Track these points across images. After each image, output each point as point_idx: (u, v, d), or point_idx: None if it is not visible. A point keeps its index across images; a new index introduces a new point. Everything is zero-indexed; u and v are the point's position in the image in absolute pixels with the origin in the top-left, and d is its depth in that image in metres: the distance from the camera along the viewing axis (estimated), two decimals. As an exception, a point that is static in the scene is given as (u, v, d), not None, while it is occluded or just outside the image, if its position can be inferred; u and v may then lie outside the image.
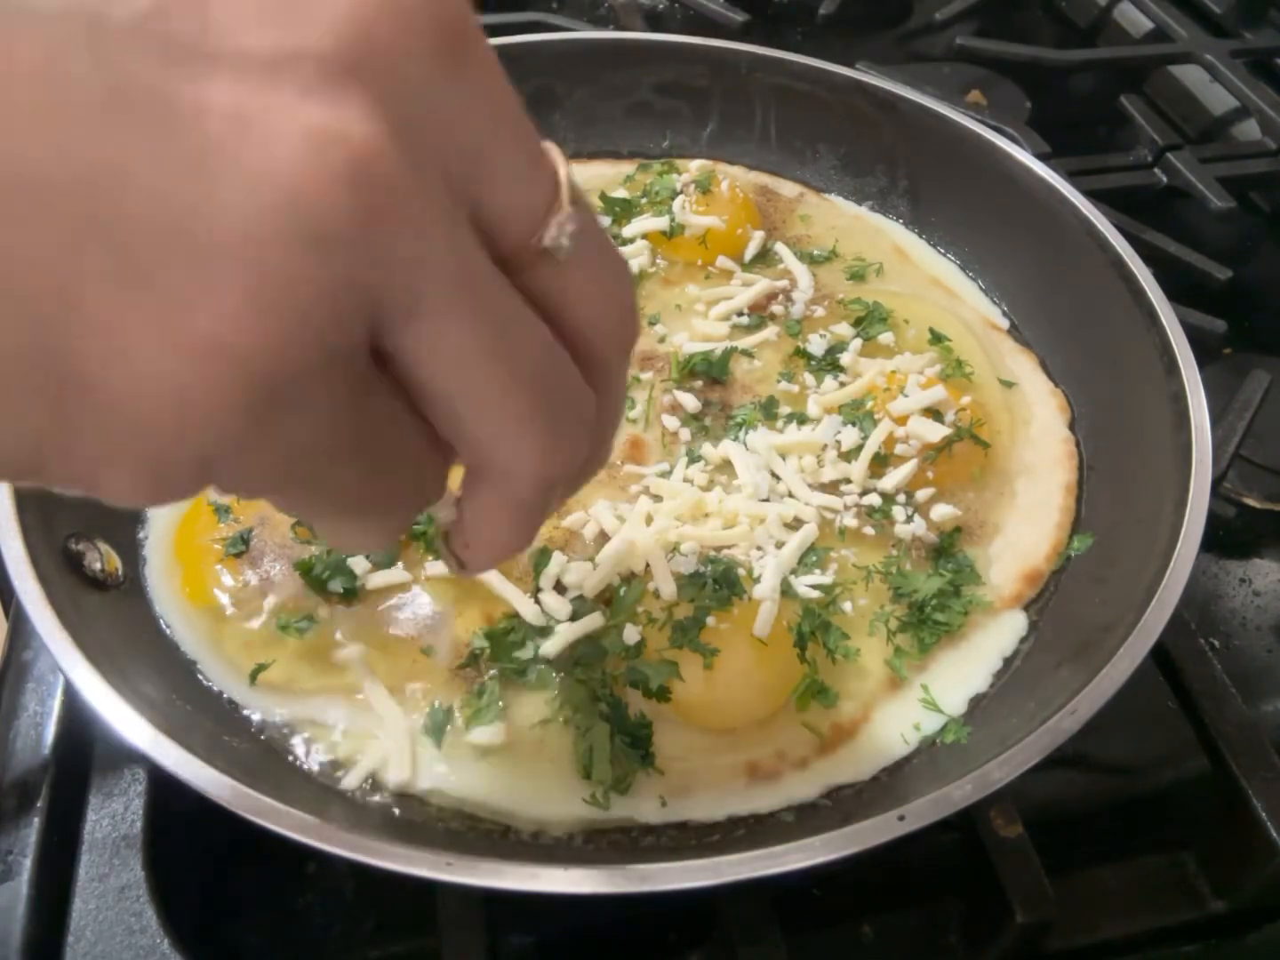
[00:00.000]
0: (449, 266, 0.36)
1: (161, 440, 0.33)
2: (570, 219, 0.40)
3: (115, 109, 0.30)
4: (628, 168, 1.23)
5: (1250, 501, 1.04)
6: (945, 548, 0.89)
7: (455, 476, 0.46)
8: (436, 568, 0.82)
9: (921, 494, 0.91)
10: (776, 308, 1.07)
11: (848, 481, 0.91)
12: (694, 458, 0.93)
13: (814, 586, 0.84)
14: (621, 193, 1.18)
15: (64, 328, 0.31)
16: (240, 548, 0.83)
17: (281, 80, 0.32)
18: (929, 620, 0.84)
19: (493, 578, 0.81)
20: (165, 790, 0.76)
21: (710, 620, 0.78)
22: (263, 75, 0.32)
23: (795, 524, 0.87)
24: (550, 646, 0.78)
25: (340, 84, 0.32)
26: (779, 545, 0.85)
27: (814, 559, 0.86)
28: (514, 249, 0.39)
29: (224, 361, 0.32)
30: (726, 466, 0.92)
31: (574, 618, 0.81)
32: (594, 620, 0.79)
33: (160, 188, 0.31)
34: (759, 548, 0.85)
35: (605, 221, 1.14)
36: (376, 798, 0.75)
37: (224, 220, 0.31)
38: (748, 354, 1.02)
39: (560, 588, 0.83)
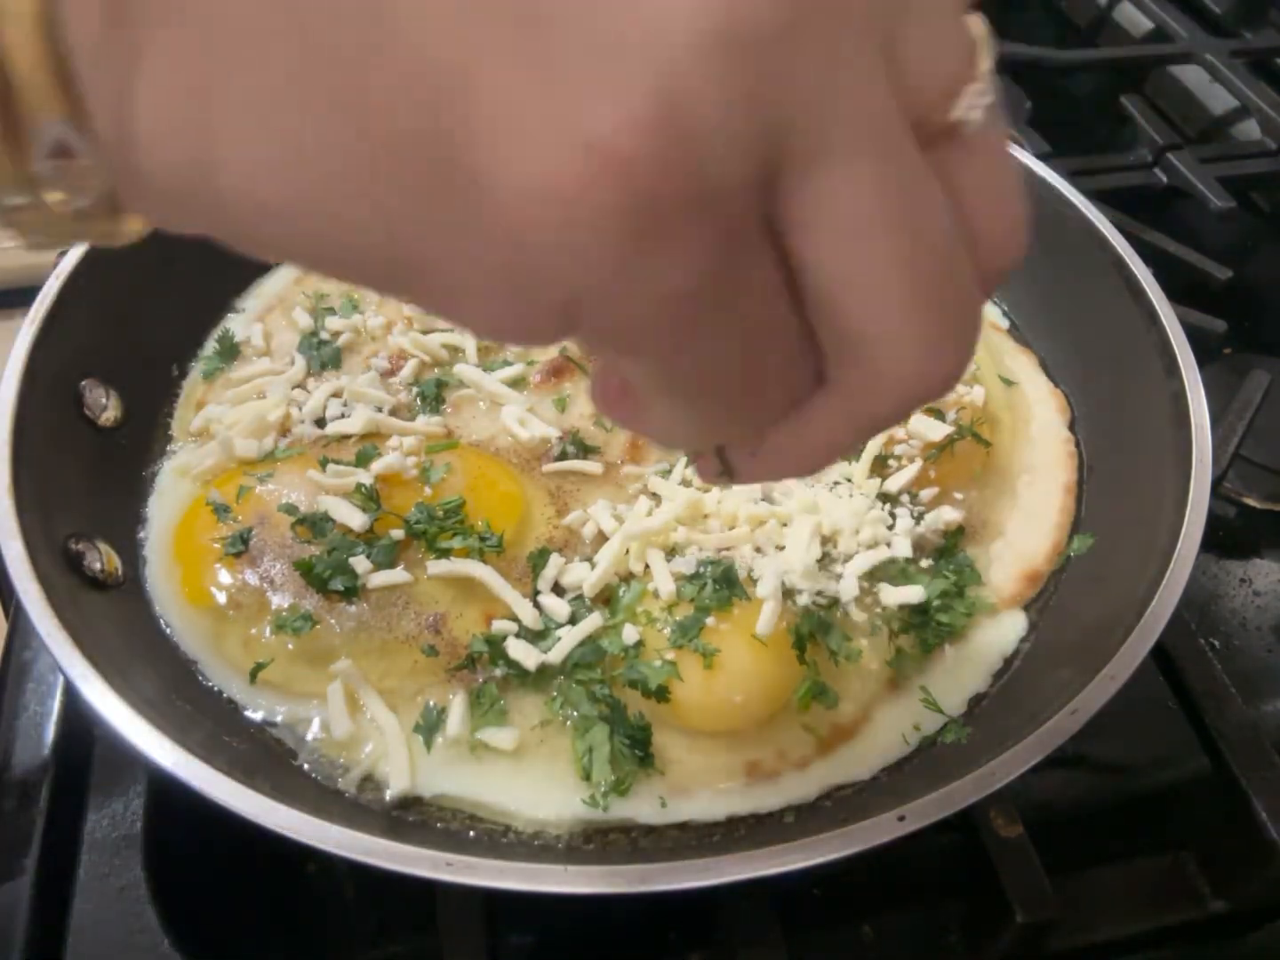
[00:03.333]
0: (866, 108, 0.31)
1: (536, 253, 0.29)
2: (985, 91, 0.34)
3: None
4: (628, 168, 1.23)
5: (1250, 501, 1.04)
6: (948, 548, 0.89)
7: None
8: (438, 567, 0.82)
9: (925, 494, 0.91)
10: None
11: (848, 481, 0.91)
12: (694, 458, 0.93)
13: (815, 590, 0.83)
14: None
15: (460, 108, 0.28)
16: (239, 547, 0.83)
17: None
18: (932, 621, 0.84)
19: (492, 578, 0.81)
20: (165, 790, 0.76)
21: (710, 620, 0.78)
22: None
23: (795, 524, 0.87)
24: (554, 655, 0.78)
25: None
26: (779, 546, 0.85)
27: (814, 559, 0.86)
28: (922, 114, 0.33)
29: (611, 164, 0.28)
30: (726, 466, 0.92)
31: (573, 619, 0.81)
32: (593, 623, 0.79)
33: None
34: (758, 549, 0.85)
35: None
36: (376, 797, 0.75)
37: (638, 11, 0.28)
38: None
39: (559, 589, 0.83)
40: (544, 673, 0.78)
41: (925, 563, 0.88)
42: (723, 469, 0.43)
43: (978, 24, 0.35)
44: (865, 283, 0.33)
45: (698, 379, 0.35)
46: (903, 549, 0.86)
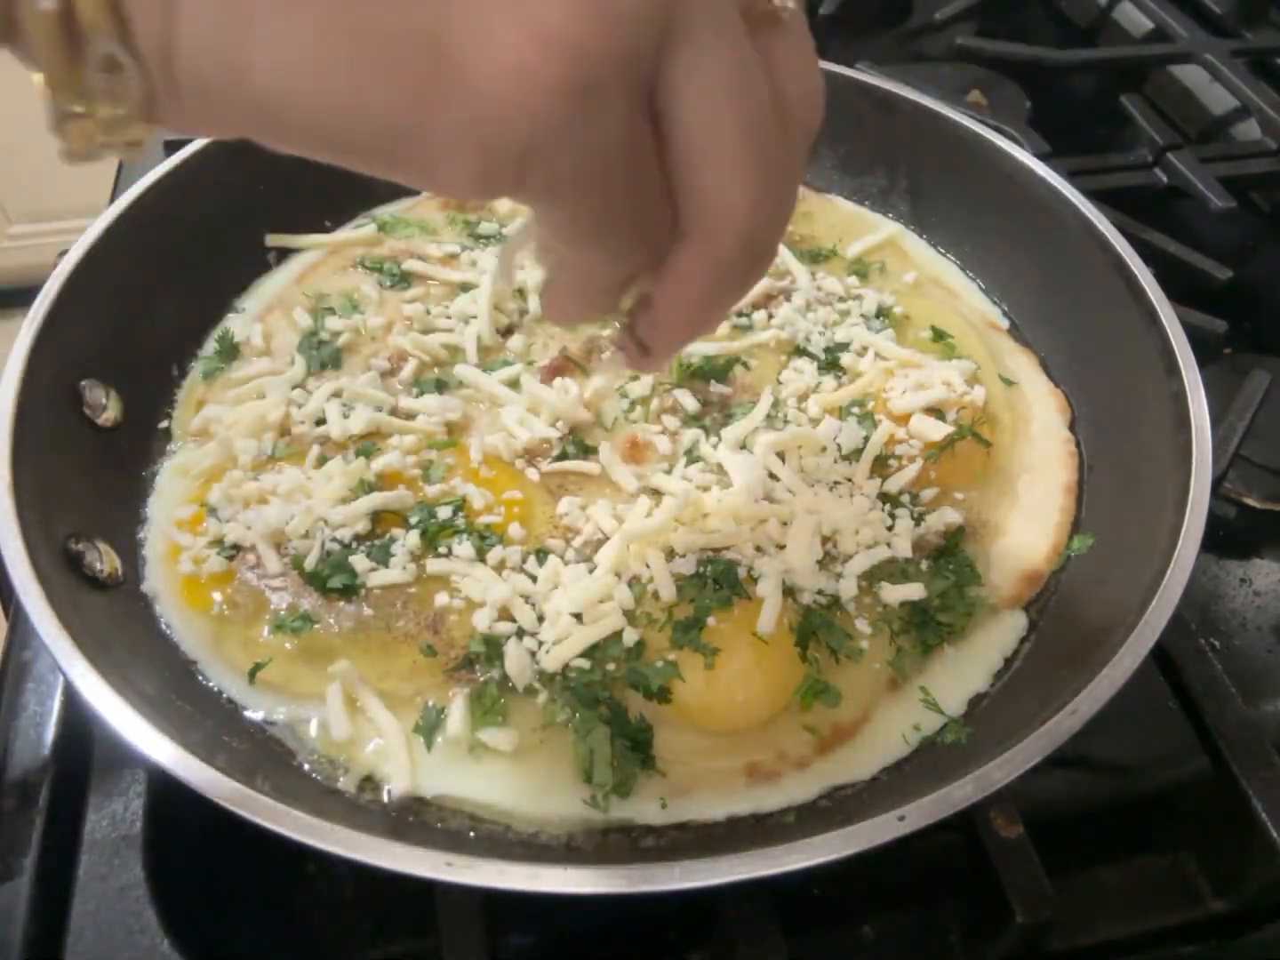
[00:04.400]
0: (719, 6, 0.43)
1: (504, 116, 0.39)
2: None
3: None
4: (628, 168, 1.23)
5: (1250, 501, 1.04)
6: (948, 548, 0.89)
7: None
8: (437, 565, 0.82)
9: (925, 494, 0.91)
10: (776, 307, 1.07)
11: (849, 481, 0.91)
12: (693, 458, 0.93)
13: (816, 589, 0.83)
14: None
15: (441, 13, 0.39)
16: (238, 548, 0.83)
17: None
18: (932, 621, 0.84)
19: (492, 579, 0.81)
20: (165, 790, 0.76)
21: (711, 620, 0.78)
22: None
23: (795, 524, 0.87)
24: (551, 663, 0.78)
25: None
26: (779, 545, 0.85)
27: (814, 559, 0.86)
28: (747, 5, 0.46)
29: (560, 47, 0.39)
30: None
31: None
32: (593, 631, 0.79)
33: None
34: (758, 548, 0.85)
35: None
36: (375, 798, 0.75)
37: None
38: (748, 355, 1.02)
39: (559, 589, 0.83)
40: (543, 676, 0.78)
41: (925, 564, 0.88)
42: (639, 349, 0.54)
43: None
44: (708, 135, 0.44)
45: (601, 216, 0.46)
46: (903, 549, 0.86)
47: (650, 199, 0.46)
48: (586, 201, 0.45)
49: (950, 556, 0.89)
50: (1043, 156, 1.14)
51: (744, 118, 0.44)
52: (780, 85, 0.47)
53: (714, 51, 0.43)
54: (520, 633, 0.80)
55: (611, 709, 0.76)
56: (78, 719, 0.80)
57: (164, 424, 0.96)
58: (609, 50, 0.39)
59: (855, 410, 0.95)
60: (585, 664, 0.78)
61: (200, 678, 0.80)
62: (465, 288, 1.07)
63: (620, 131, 0.42)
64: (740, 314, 1.06)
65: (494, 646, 0.79)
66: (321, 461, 0.89)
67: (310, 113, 0.41)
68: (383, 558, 0.83)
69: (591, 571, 0.83)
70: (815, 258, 1.14)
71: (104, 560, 0.81)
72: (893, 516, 0.89)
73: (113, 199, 1.06)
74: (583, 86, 0.39)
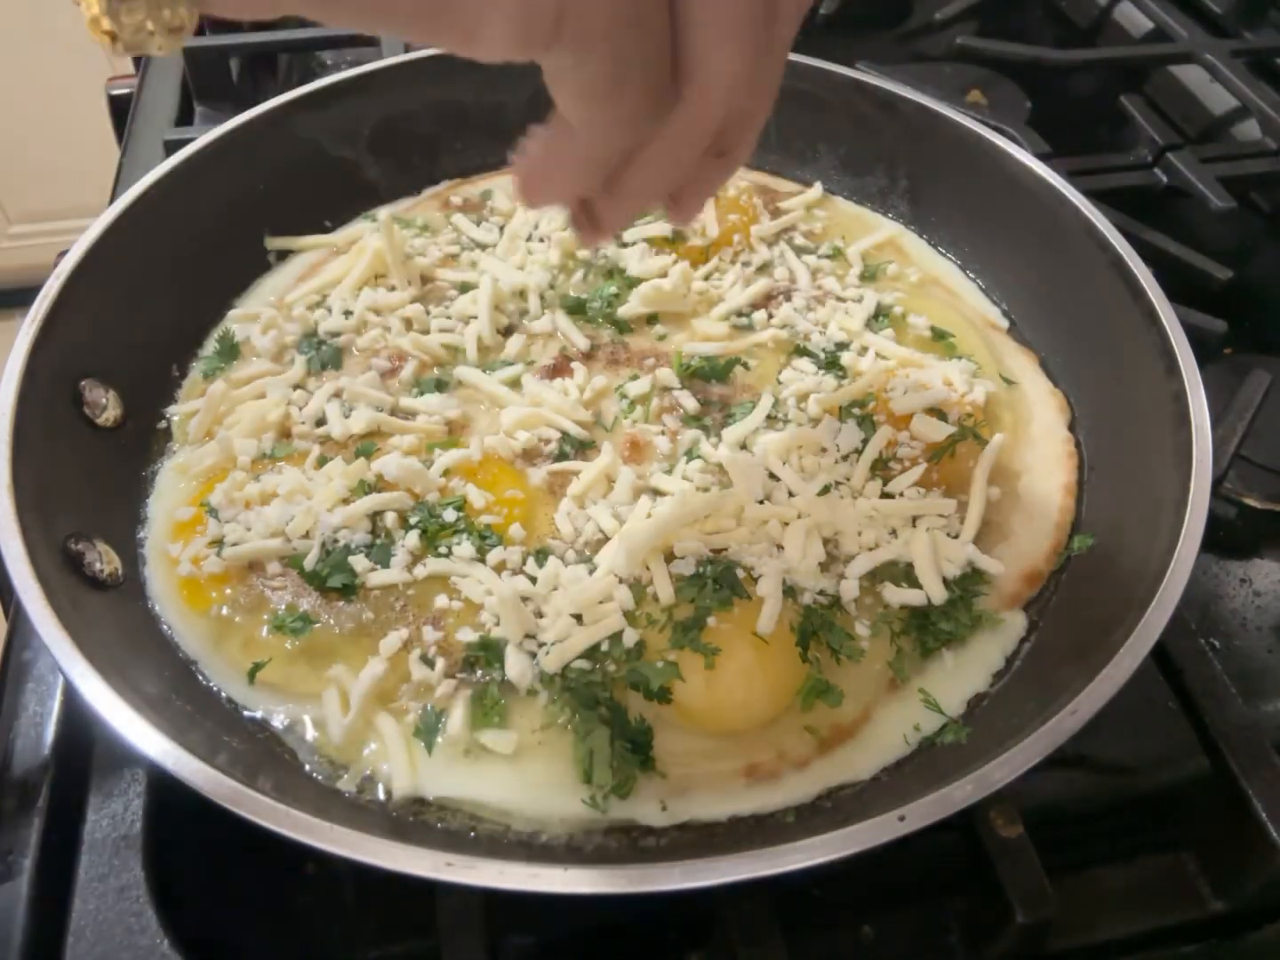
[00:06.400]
0: None
1: None
2: None
3: None
4: (628, 168, 1.22)
5: (1250, 501, 1.04)
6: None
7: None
8: (436, 565, 0.82)
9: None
10: (776, 307, 1.07)
11: (847, 481, 0.91)
12: (693, 457, 0.93)
13: (818, 589, 0.83)
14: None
15: None
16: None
17: None
18: (932, 626, 0.84)
19: (492, 579, 0.81)
20: (165, 790, 0.76)
21: (711, 620, 0.78)
22: None
23: (795, 525, 0.87)
24: (551, 664, 0.78)
25: None
26: (779, 545, 0.85)
27: (816, 560, 0.86)
28: None
29: None
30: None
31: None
32: (593, 631, 0.79)
33: None
34: (757, 545, 0.84)
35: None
36: (375, 798, 0.75)
37: None
38: (748, 355, 1.02)
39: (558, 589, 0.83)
40: (543, 677, 0.78)
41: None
42: (591, 224, 0.58)
43: None
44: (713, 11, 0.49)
45: (621, 71, 0.49)
46: (906, 553, 0.86)
47: (661, 60, 0.50)
48: (612, 52, 0.47)
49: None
50: (1043, 156, 1.14)
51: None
52: None
53: None
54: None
55: (611, 710, 0.76)
56: (78, 719, 0.80)
57: (164, 424, 0.96)
58: None
59: (856, 411, 0.95)
60: (585, 665, 0.78)
61: (200, 678, 0.80)
62: (465, 288, 1.07)
63: None
64: (740, 314, 1.06)
65: (493, 649, 0.79)
66: (322, 462, 0.89)
67: None
68: (383, 558, 0.83)
69: (591, 572, 0.83)
70: (815, 257, 1.14)
71: (104, 560, 0.81)
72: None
73: (113, 199, 1.06)
74: None
